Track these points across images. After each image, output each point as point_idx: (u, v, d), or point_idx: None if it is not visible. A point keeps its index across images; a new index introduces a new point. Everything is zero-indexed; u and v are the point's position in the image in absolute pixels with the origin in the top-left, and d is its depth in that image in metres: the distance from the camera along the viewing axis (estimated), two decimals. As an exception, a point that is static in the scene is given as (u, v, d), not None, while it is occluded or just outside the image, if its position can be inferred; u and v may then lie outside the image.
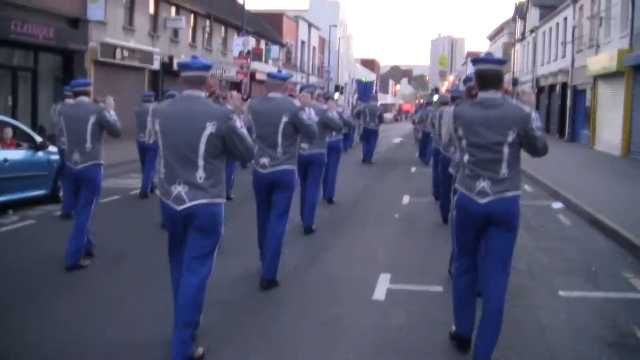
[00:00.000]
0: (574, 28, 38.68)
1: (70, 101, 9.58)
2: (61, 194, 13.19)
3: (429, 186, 16.20)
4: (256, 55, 50.23)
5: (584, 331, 6.56)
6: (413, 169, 22.57)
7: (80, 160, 8.45)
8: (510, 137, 5.27)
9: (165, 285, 5.96)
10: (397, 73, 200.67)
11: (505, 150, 5.30)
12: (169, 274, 5.81)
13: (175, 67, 36.04)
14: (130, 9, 33.18)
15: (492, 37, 78.15)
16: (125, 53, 31.66)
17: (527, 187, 18.00)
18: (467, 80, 7.85)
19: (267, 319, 6.71)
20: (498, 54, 68.58)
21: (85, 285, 7.81)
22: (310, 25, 73.20)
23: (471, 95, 6.13)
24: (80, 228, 8.44)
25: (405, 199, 15.30)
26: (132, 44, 32.70)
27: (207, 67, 5.46)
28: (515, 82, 57.84)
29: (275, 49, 56.08)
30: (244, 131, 5.41)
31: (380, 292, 7.70)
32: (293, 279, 8.17)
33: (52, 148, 14.18)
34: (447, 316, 6.23)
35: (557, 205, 14.85)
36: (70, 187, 9.15)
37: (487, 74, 5.38)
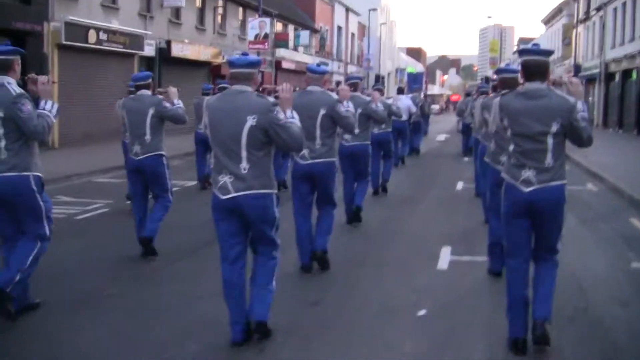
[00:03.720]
0: (658, -1, 31.74)
1: (132, 95, 9.25)
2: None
3: (480, 221, 10.38)
4: (281, 40, 44.24)
5: None
6: (459, 185, 16.07)
7: (140, 151, 8.67)
8: (554, 128, 5.37)
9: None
10: (445, 63, 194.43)
11: (550, 140, 5.40)
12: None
13: (173, 52, 30.36)
14: (113, -17, 27.26)
15: (548, 21, 70.98)
16: (103, 36, 25.72)
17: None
18: (497, 71, 8.63)
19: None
20: (557, 39, 61.69)
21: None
22: (347, 9, 66.92)
23: (495, 90, 7.94)
24: (154, 219, 8.74)
25: (444, 255, 9.00)
26: (114, 24, 26.73)
27: (252, 64, 5.65)
28: (577, 69, 50.87)
29: (305, 34, 49.83)
30: (293, 121, 5.55)
31: None
32: None
33: None
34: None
35: None
36: (131, 179, 9.13)
37: (533, 65, 5.49)
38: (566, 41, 56.57)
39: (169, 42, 30.72)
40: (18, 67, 6.29)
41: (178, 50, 31.34)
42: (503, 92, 6.85)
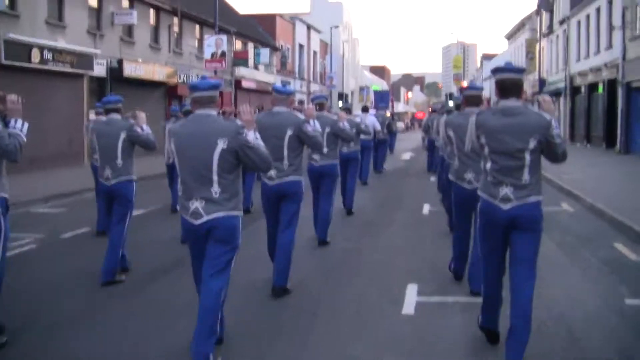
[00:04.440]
0: (624, 10, 30.94)
1: (102, 118, 9.56)
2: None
3: (449, 251, 8.69)
4: (240, 59, 43.14)
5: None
6: (426, 208, 14.89)
7: (111, 176, 8.62)
8: (532, 144, 5.40)
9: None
10: (409, 80, 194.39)
11: (527, 157, 5.43)
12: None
13: (125, 72, 28.96)
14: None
15: (511, 36, 70.66)
16: (48, 55, 24.31)
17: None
18: (461, 90, 8.86)
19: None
20: (520, 54, 61.22)
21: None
22: (309, 27, 66.02)
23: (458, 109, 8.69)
24: (113, 245, 8.53)
25: (410, 296, 7.79)
26: (61, 43, 25.34)
27: (215, 87, 5.67)
28: (542, 83, 50.27)
29: (265, 52, 48.73)
30: (259, 142, 5.60)
31: None
32: None
33: None
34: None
35: None
36: (104, 204, 9.40)
37: (508, 82, 5.51)
38: (530, 56, 56.00)
39: (120, 62, 29.31)
40: None
41: (131, 70, 29.97)
42: (466, 110, 7.60)
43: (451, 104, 27.18)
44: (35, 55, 23.55)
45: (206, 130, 5.49)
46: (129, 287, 8.33)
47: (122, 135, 8.57)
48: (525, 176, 5.42)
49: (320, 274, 8.97)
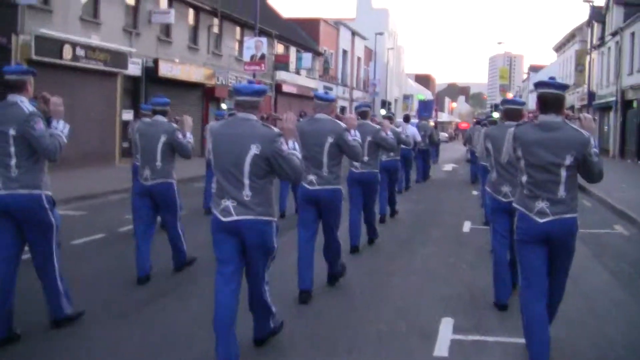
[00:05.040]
0: (683, 22, 29.51)
1: (147, 119, 9.25)
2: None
3: (490, 279, 7.75)
4: (281, 63, 42.24)
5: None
6: (466, 226, 13.75)
7: (150, 177, 8.68)
8: (568, 161, 5.39)
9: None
10: (454, 90, 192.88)
11: (563, 172, 5.40)
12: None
13: (161, 72, 28.29)
14: (95, -5, 25.24)
15: (560, 47, 68.90)
16: (81, 52, 23.64)
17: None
18: (502, 102, 8.49)
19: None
20: (569, 66, 59.60)
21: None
22: (354, 33, 65.05)
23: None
24: (173, 243, 8.99)
25: (444, 332, 6.72)
26: (95, 40, 24.69)
27: (257, 92, 5.70)
28: (592, 96, 48.70)
29: (307, 57, 47.94)
30: (294, 153, 5.61)
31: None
32: None
33: None
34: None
35: None
36: (137, 203, 9.23)
37: (549, 98, 5.49)
38: (579, 68, 54.41)
39: (156, 61, 28.64)
40: (31, 87, 6.32)
41: (167, 70, 29.28)
42: (505, 123, 7.61)
43: (496, 115, 26.63)
44: (67, 51, 22.89)
45: (242, 134, 5.51)
46: (136, 303, 7.67)
47: (163, 138, 8.60)
48: (562, 192, 5.42)
49: (344, 298, 7.96)
